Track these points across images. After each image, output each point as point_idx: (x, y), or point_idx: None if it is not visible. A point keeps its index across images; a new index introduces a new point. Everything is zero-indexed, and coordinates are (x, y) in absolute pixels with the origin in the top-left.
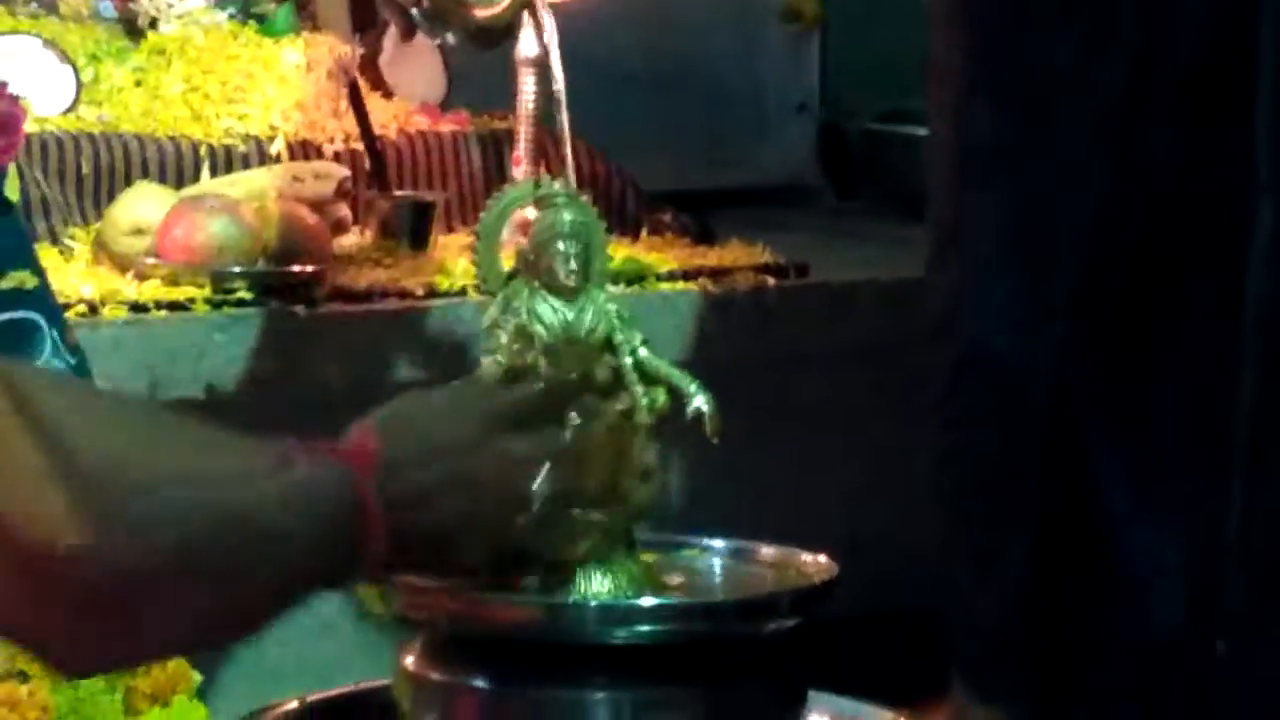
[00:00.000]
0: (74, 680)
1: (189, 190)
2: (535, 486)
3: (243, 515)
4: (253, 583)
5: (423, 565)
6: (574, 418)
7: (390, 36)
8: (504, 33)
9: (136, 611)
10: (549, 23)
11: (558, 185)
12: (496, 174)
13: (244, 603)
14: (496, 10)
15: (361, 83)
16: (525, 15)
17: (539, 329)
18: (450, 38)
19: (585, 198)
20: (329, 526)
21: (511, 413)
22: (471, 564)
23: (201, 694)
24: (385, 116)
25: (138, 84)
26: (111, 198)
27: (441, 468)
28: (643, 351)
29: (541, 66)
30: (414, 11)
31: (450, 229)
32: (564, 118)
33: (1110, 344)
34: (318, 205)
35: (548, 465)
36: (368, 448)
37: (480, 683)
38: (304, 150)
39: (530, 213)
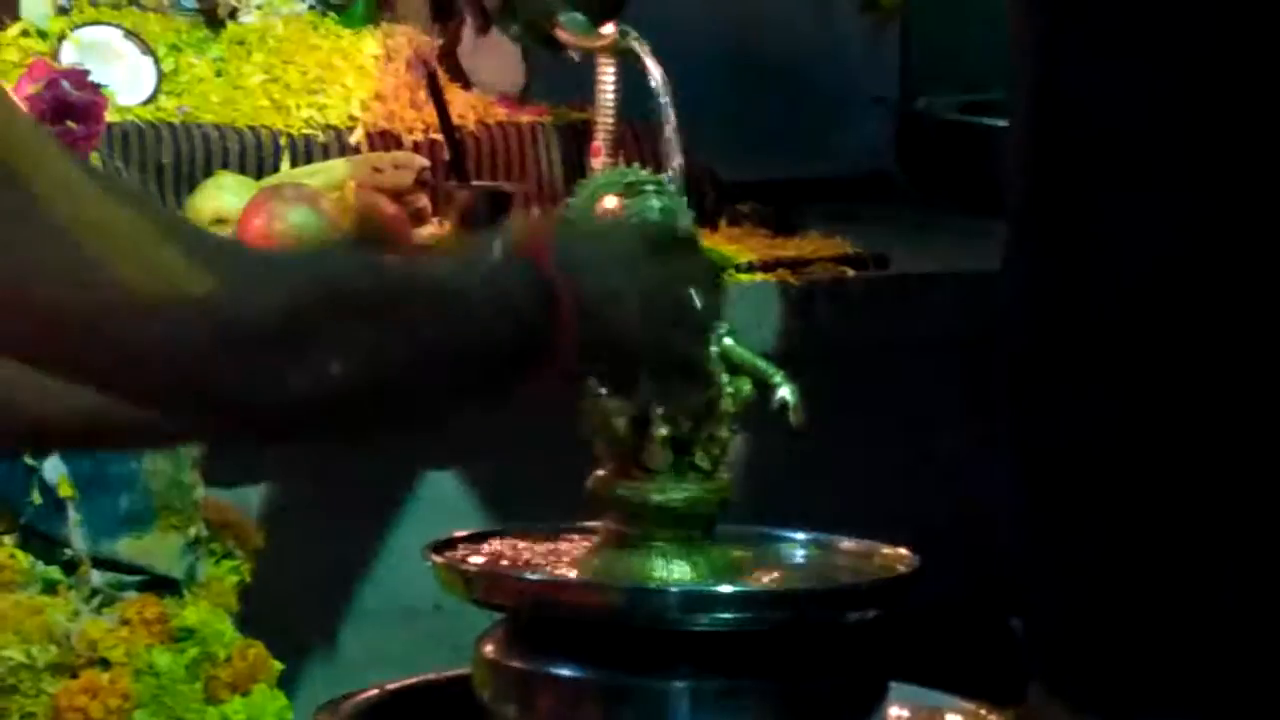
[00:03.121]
0: (260, 442)
1: (269, 180)
2: (696, 301)
3: (408, 273)
4: (427, 337)
5: (602, 367)
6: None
7: (469, 27)
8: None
9: (294, 354)
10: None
11: (645, 174)
12: (575, 165)
13: (419, 355)
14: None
15: (440, 73)
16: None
17: None
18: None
19: (673, 186)
20: (516, 297)
21: (664, 241)
22: (646, 369)
23: (282, 683)
24: (464, 107)
25: (218, 74)
26: (192, 188)
27: (614, 273)
28: (728, 341)
29: (621, 57)
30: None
31: None
32: (666, 107)
33: (1181, 331)
34: (397, 195)
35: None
36: (545, 245)
37: (560, 670)
38: (383, 141)
39: (612, 201)
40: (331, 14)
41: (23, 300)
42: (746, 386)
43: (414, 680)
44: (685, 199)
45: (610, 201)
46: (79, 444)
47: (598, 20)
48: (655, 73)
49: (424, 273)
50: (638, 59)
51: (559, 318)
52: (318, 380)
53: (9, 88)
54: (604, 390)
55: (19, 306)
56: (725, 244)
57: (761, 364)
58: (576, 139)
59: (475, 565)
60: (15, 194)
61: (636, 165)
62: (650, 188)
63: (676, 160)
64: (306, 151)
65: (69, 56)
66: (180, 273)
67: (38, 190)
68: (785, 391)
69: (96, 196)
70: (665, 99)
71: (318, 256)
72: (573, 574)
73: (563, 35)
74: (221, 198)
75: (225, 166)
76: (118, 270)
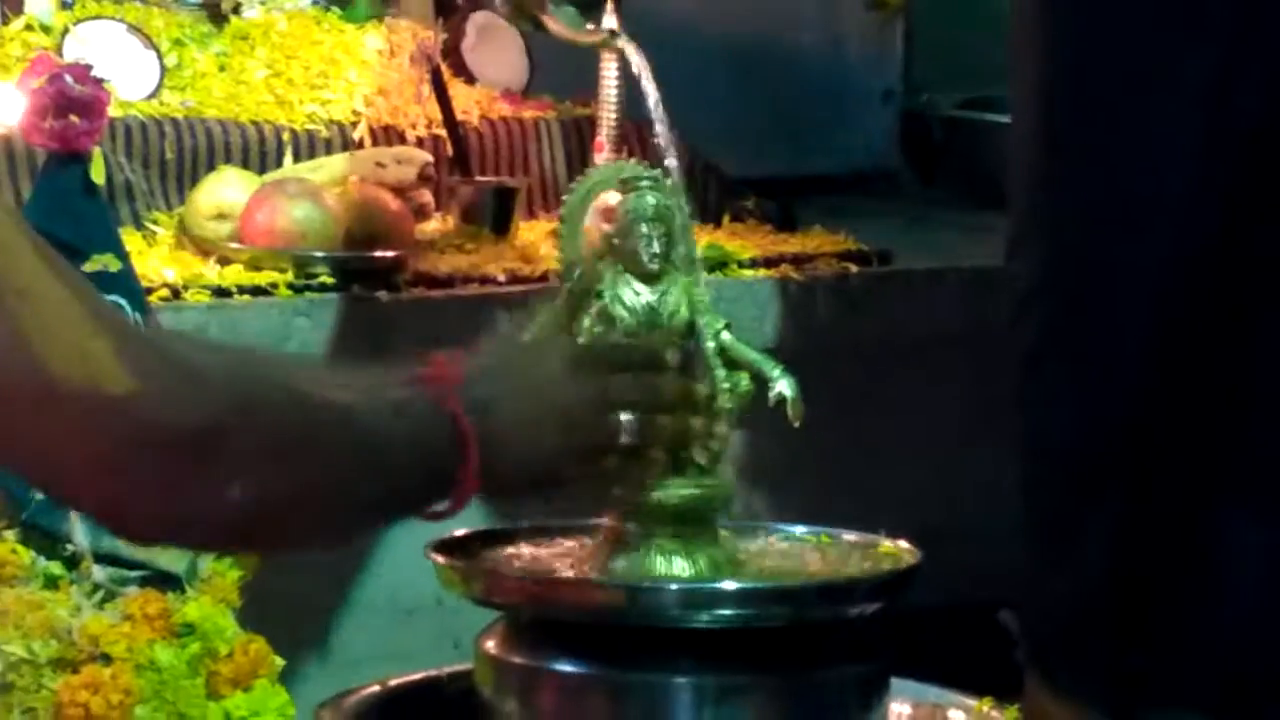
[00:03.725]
0: (145, 544)
1: (272, 175)
2: (623, 421)
3: (319, 399)
4: (332, 458)
5: (510, 489)
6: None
7: (473, 22)
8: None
9: (195, 460)
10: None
11: (641, 169)
12: (578, 160)
13: (323, 477)
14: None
15: (444, 69)
16: (608, 1)
17: (621, 312)
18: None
19: (669, 182)
20: (417, 428)
21: (593, 357)
22: (561, 485)
23: (283, 678)
24: (467, 102)
25: (221, 69)
26: (195, 182)
27: (531, 402)
28: (725, 336)
29: (623, 53)
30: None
31: (532, 215)
32: (652, 101)
33: (1198, 325)
34: (400, 191)
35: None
36: (452, 373)
37: (561, 666)
38: (386, 136)
39: (613, 197)
40: (335, 9)
41: None
42: (744, 382)
43: (416, 676)
44: (682, 195)
45: (605, 199)
46: None
47: (586, 11)
48: (644, 73)
49: (339, 402)
50: (624, 58)
51: (463, 449)
52: (218, 498)
53: (12, 82)
54: None
55: None
56: (728, 240)
57: (759, 359)
58: (580, 135)
59: (477, 563)
60: None
61: (634, 161)
62: (646, 184)
63: (671, 159)
64: (309, 146)
65: (72, 51)
66: (105, 368)
67: None
68: (784, 386)
69: (40, 277)
70: (654, 98)
71: (243, 371)
72: (574, 572)
73: (552, 25)
74: (224, 192)
75: (228, 161)
76: (43, 355)
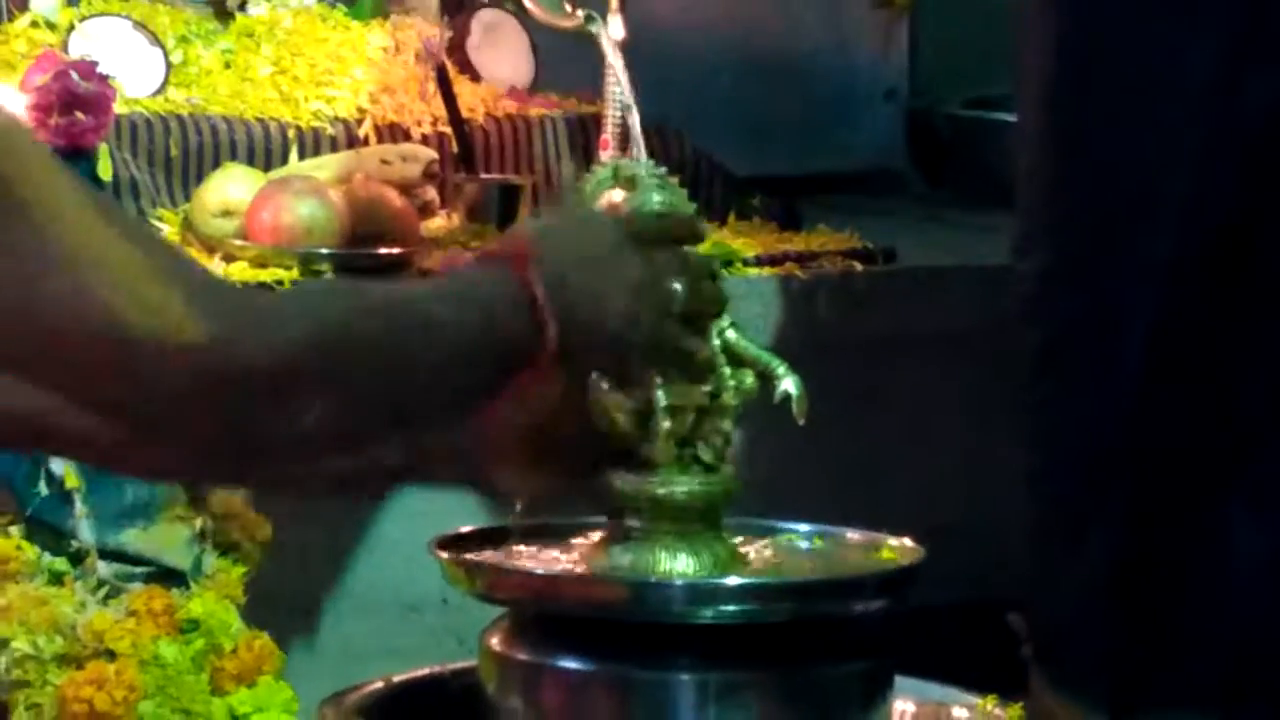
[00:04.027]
0: (220, 485)
1: (277, 172)
2: (678, 287)
3: (390, 304)
4: (412, 372)
5: (593, 366)
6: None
7: (478, 20)
8: None
9: (277, 401)
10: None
11: (645, 167)
12: (584, 158)
13: (404, 392)
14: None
15: (449, 66)
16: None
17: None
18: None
19: (673, 180)
20: (496, 314)
21: (650, 232)
22: (634, 361)
23: (287, 674)
24: (473, 100)
25: (227, 66)
26: (200, 179)
27: (598, 271)
28: (730, 333)
29: (628, 51)
30: None
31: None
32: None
33: (1211, 316)
34: (405, 188)
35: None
36: (525, 252)
37: (565, 663)
38: (392, 133)
39: (618, 195)
40: (340, 6)
41: (22, 326)
42: (749, 379)
43: (419, 673)
44: (685, 191)
45: (611, 197)
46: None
47: None
48: (616, 60)
49: (413, 307)
50: (599, 46)
51: (542, 327)
52: (294, 430)
53: (18, 79)
54: (605, 385)
55: (18, 332)
56: (733, 238)
57: (764, 356)
58: (585, 133)
59: (481, 559)
60: (21, 226)
61: (637, 158)
62: (651, 181)
63: (640, 148)
64: (315, 143)
65: (78, 47)
66: (176, 315)
67: (43, 221)
68: (788, 384)
69: (102, 231)
70: (625, 86)
71: (314, 302)
72: (578, 568)
73: (533, 9)
74: (229, 189)
75: (233, 158)
76: (112, 304)
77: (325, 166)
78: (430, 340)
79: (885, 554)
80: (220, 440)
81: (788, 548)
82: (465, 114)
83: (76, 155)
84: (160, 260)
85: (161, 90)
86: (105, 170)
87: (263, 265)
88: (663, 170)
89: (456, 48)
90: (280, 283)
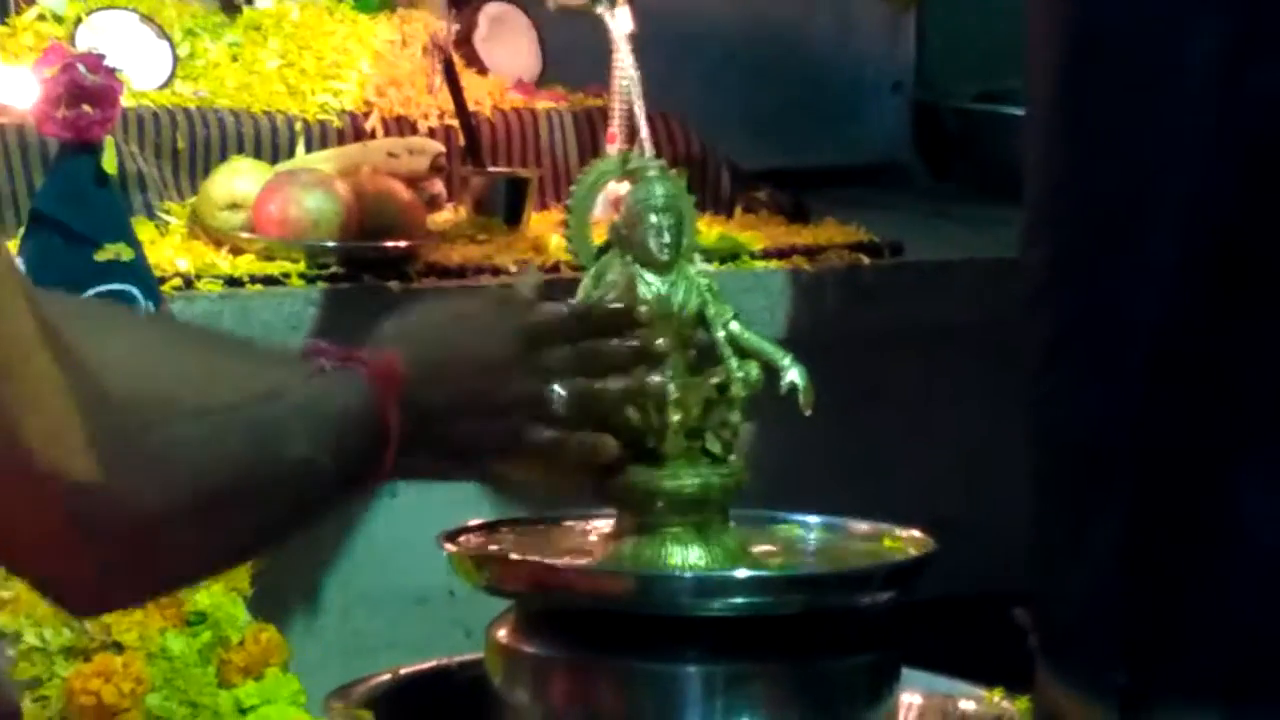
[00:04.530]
0: (82, 617)
1: (284, 165)
2: (555, 394)
3: (261, 442)
4: (273, 509)
5: (434, 470)
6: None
7: (485, 13)
8: None
9: (152, 549)
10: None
11: (648, 159)
12: (591, 151)
13: (264, 527)
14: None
15: (456, 59)
16: None
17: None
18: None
19: (674, 171)
20: (350, 446)
21: (538, 330)
22: (482, 469)
23: (294, 667)
24: (480, 93)
25: (234, 59)
26: (207, 172)
27: (465, 385)
28: (735, 325)
29: (636, 43)
30: None
31: (544, 206)
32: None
33: (1215, 312)
34: (412, 181)
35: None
36: (394, 366)
37: (573, 655)
38: (399, 126)
39: (621, 187)
40: None
41: None
42: (755, 371)
43: (426, 665)
44: (685, 181)
45: (614, 190)
46: None
47: None
48: (622, 46)
49: (290, 454)
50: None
51: (384, 445)
52: (157, 581)
53: (25, 70)
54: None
55: None
56: (740, 231)
57: (770, 348)
58: (592, 125)
59: (489, 552)
60: None
61: (640, 150)
62: (653, 172)
63: (644, 134)
64: (321, 136)
65: (85, 40)
66: (74, 453)
67: None
68: (794, 375)
69: (33, 346)
70: (631, 74)
71: (216, 438)
72: (586, 560)
73: None
74: (236, 182)
75: (240, 151)
76: (21, 429)
77: (332, 159)
78: (294, 478)
79: (893, 545)
80: (94, 585)
81: (797, 539)
82: (472, 107)
83: (83, 148)
84: (72, 383)
85: (168, 83)
86: (111, 164)
87: (270, 258)
88: (661, 161)
89: (463, 41)
90: (287, 275)
